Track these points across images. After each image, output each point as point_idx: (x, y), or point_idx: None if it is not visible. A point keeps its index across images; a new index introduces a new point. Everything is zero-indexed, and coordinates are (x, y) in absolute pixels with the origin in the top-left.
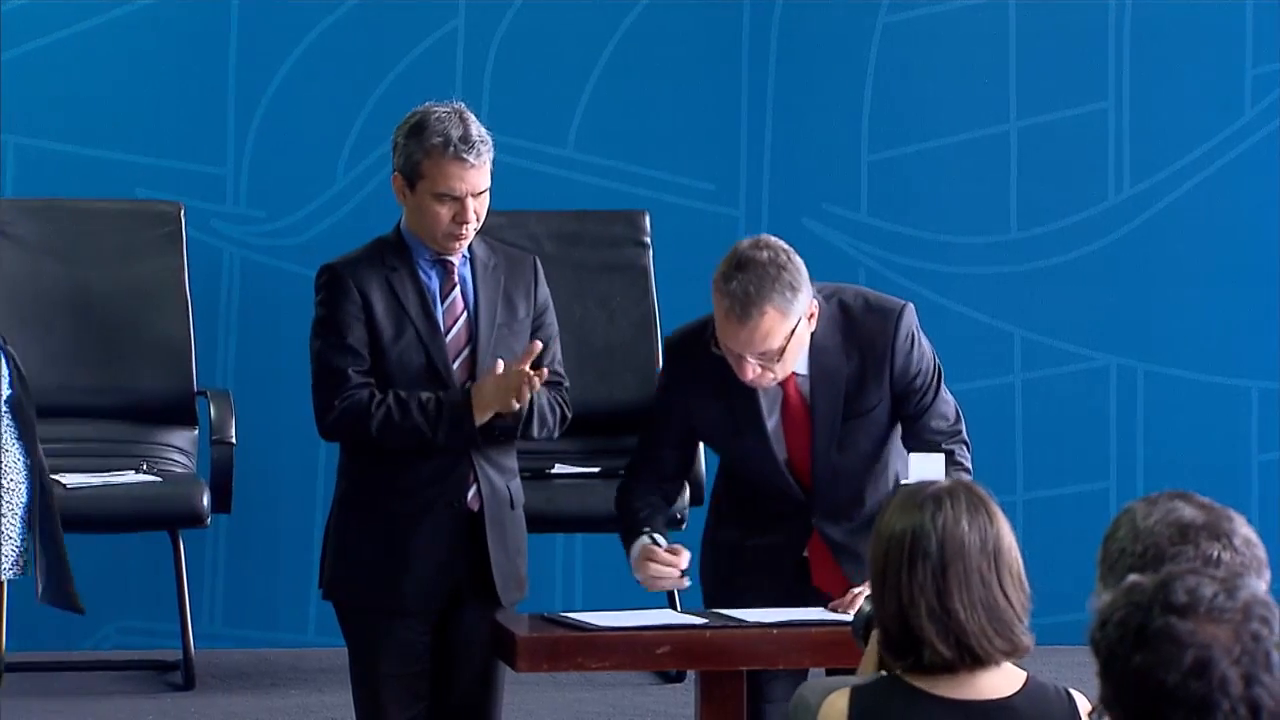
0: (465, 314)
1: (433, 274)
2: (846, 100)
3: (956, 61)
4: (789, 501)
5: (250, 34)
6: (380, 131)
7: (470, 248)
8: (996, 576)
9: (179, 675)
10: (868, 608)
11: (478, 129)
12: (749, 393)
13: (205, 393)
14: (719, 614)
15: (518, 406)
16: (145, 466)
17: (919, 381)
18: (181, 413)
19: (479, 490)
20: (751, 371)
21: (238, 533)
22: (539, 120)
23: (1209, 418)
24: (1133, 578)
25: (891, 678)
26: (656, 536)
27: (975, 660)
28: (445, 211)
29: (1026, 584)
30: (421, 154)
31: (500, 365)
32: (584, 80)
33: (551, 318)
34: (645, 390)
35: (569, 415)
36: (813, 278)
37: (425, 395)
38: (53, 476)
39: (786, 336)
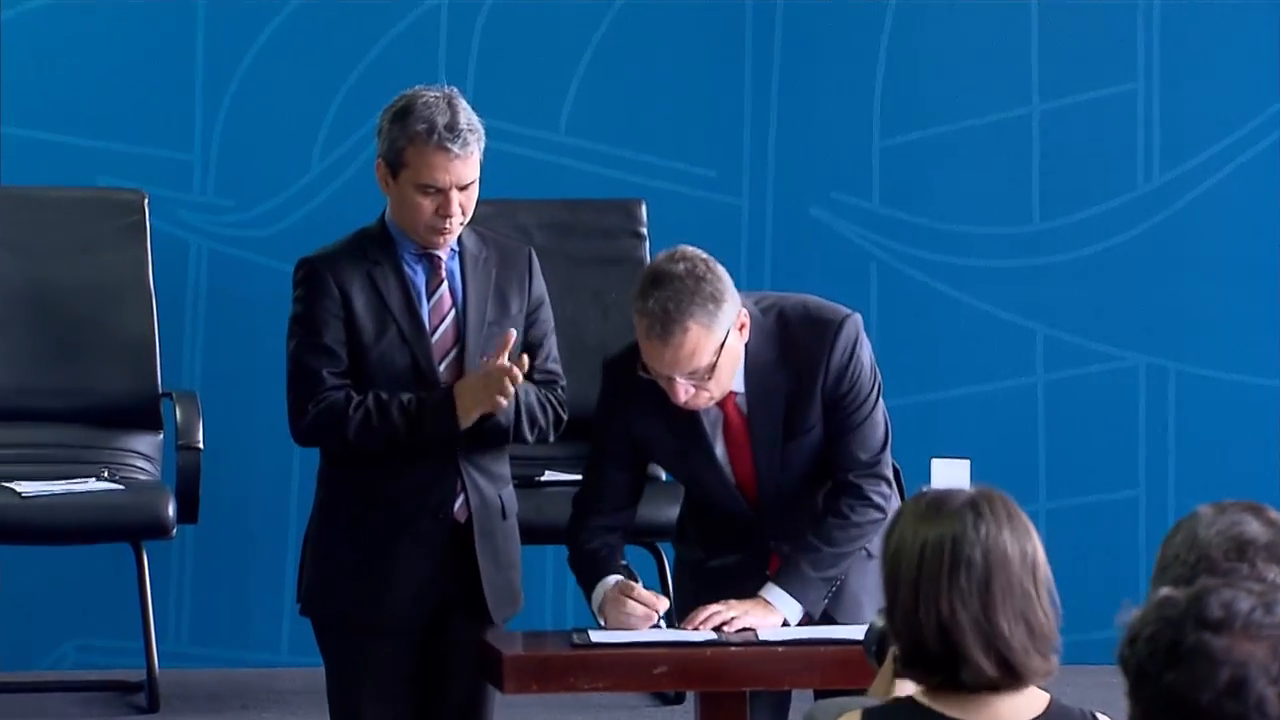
0: (453, 311)
1: (418, 268)
2: (858, 81)
3: (975, 39)
4: (744, 521)
5: (219, 10)
6: (358, 115)
7: (460, 239)
8: (1035, 590)
9: (142, 697)
10: (880, 623)
11: (467, 117)
12: (690, 414)
13: (170, 394)
14: (721, 631)
15: (505, 404)
16: (106, 474)
17: (848, 398)
18: (145, 416)
19: (467, 500)
20: (684, 393)
21: (205, 544)
22: (528, 103)
23: (1246, 421)
24: (1164, 590)
25: (908, 700)
26: (625, 576)
27: (1015, 679)
28: (428, 204)
29: (1057, 600)
30: (405, 141)
31: (484, 362)
32: (576, 59)
33: (547, 313)
34: None
35: (564, 416)
36: (821, 271)
37: (406, 396)
38: (8, 485)
39: (715, 352)
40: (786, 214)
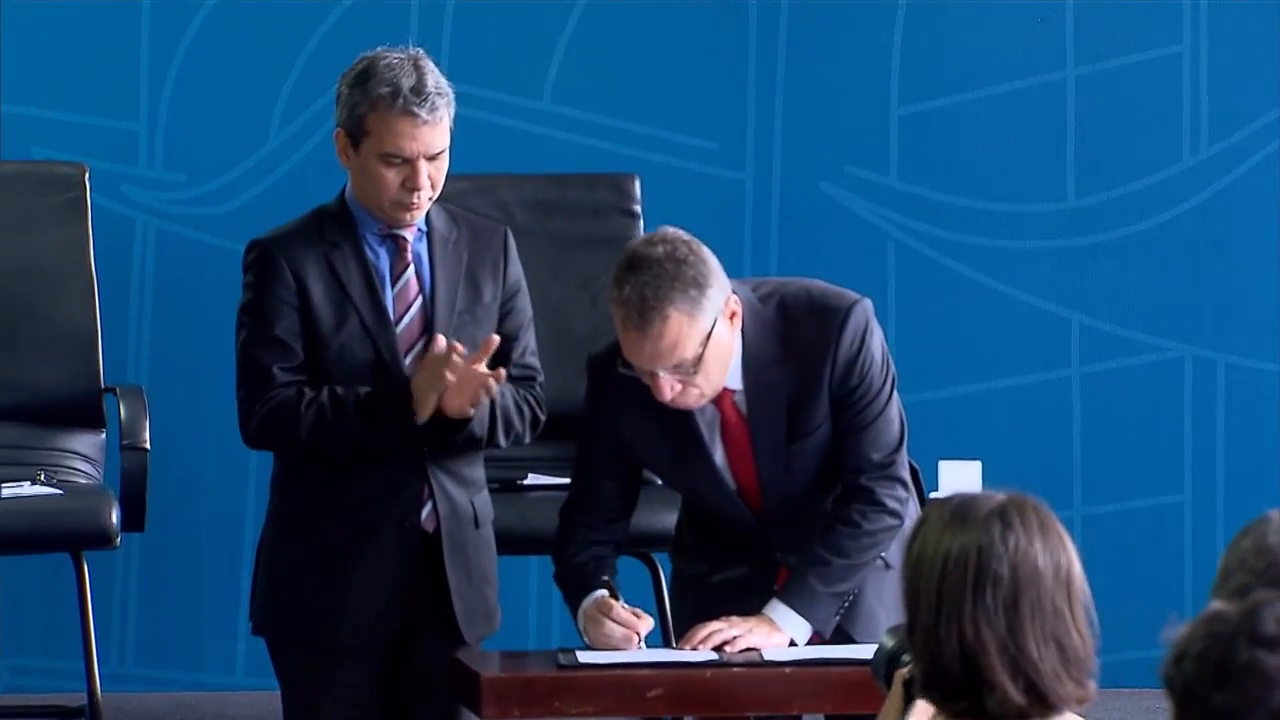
0: (420, 299)
1: (381, 251)
2: (874, 42)
3: None
4: (749, 531)
5: None
6: (321, 80)
7: (428, 218)
8: (1069, 608)
9: None
10: (890, 642)
11: (435, 79)
12: (683, 415)
13: (114, 389)
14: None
15: (471, 412)
16: (43, 477)
17: (858, 393)
18: (86, 413)
19: (435, 507)
20: (669, 389)
21: (153, 555)
22: (509, 67)
23: None
24: (1215, 604)
25: None
26: (610, 591)
27: (1046, 707)
28: (393, 176)
29: (1095, 618)
30: (366, 106)
31: (439, 343)
32: (563, 20)
33: (524, 301)
34: None
35: (542, 417)
36: (833, 254)
37: (362, 390)
38: None
39: (700, 343)
40: (795, 190)
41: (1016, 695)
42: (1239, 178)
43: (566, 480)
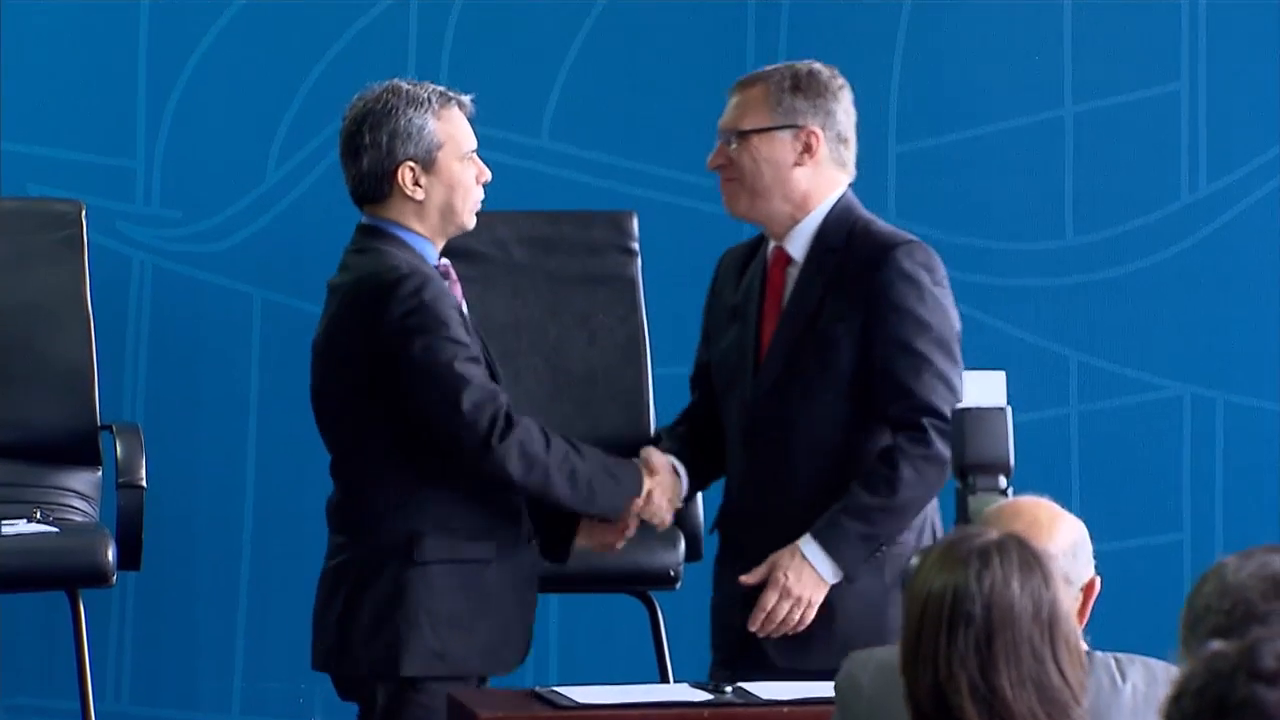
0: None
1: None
2: (871, 79)
3: (1002, 33)
4: (740, 413)
5: (165, 3)
6: (318, 118)
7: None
8: (1050, 649)
9: None
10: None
11: None
12: (756, 281)
13: (110, 427)
14: (740, 688)
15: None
16: (39, 514)
17: (896, 332)
18: (82, 451)
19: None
20: (714, 156)
21: (149, 593)
22: (507, 105)
23: None
24: (1215, 644)
25: None
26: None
27: None
28: (471, 174)
29: (1084, 657)
30: (432, 118)
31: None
32: (561, 56)
33: None
34: (632, 424)
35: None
36: None
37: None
38: None
39: (756, 126)
40: None
41: None
42: (1238, 215)
43: None
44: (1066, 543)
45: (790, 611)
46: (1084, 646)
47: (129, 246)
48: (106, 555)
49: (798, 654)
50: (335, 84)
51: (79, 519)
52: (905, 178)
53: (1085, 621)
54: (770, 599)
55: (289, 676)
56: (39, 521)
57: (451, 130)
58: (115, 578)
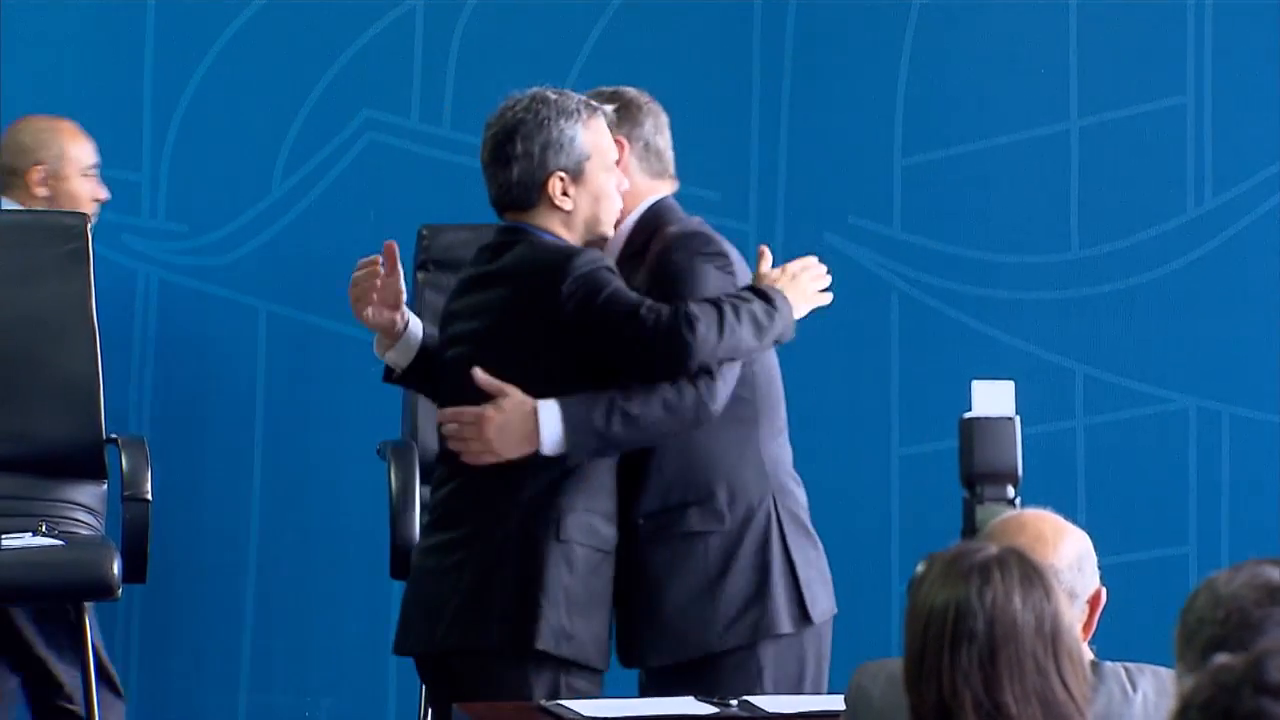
0: None
1: None
2: (878, 92)
3: (1008, 47)
4: None
5: (170, 16)
6: (323, 132)
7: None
8: (1054, 662)
9: None
10: None
11: None
12: None
13: (116, 440)
14: (745, 702)
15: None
16: (45, 528)
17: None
18: (88, 464)
19: None
20: None
21: (155, 607)
22: None
23: None
24: (1220, 657)
25: None
26: None
27: None
28: (614, 183)
29: (1088, 670)
30: (580, 128)
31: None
32: (566, 70)
33: None
34: None
35: None
36: (837, 303)
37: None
38: None
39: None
40: (798, 240)
41: None
42: (1243, 229)
43: None
44: (1071, 556)
45: (471, 437)
46: (1091, 657)
47: (135, 259)
48: (112, 568)
49: (627, 652)
50: (340, 100)
51: (85, 532)
52: (911, 191)
53: (1091, 634)
54: (474, 413)
55: (294, 690)
56: (45, 535)
57: (598, 140)
58: (121, 591)
